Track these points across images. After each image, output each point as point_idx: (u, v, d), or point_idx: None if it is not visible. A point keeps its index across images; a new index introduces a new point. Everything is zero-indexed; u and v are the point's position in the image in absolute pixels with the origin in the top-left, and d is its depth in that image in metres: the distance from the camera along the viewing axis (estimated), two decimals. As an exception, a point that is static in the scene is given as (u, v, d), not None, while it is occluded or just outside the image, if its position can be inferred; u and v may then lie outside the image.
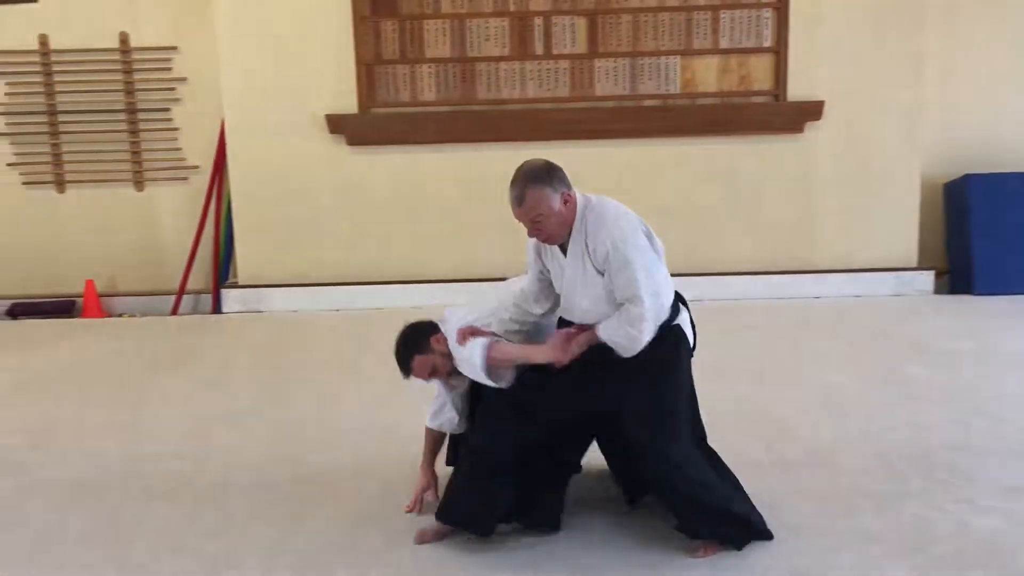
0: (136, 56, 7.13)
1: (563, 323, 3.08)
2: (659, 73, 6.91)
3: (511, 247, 7.03)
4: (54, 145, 7.23)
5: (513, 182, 2.93)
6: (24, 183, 7.28)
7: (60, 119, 7.20)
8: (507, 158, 6.82)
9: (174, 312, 7.24)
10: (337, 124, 6.83)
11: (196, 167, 7.29)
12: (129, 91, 7.17)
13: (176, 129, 7.25)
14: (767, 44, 6.90)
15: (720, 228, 7.07)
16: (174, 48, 7.14)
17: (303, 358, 5.67)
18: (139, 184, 7.33)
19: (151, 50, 7.12)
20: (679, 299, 3.07)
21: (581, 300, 2.91)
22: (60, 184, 7.31)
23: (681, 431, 2.90)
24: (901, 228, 7.06)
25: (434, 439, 3.40)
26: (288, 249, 7.01)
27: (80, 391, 5.04)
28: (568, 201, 2.89)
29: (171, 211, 7.39)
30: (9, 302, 7.24)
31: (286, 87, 6.82)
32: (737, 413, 4.21)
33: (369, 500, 3.44)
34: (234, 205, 7.03)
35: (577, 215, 2.90)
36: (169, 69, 7.16)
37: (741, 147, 6.98)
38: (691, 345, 3.11)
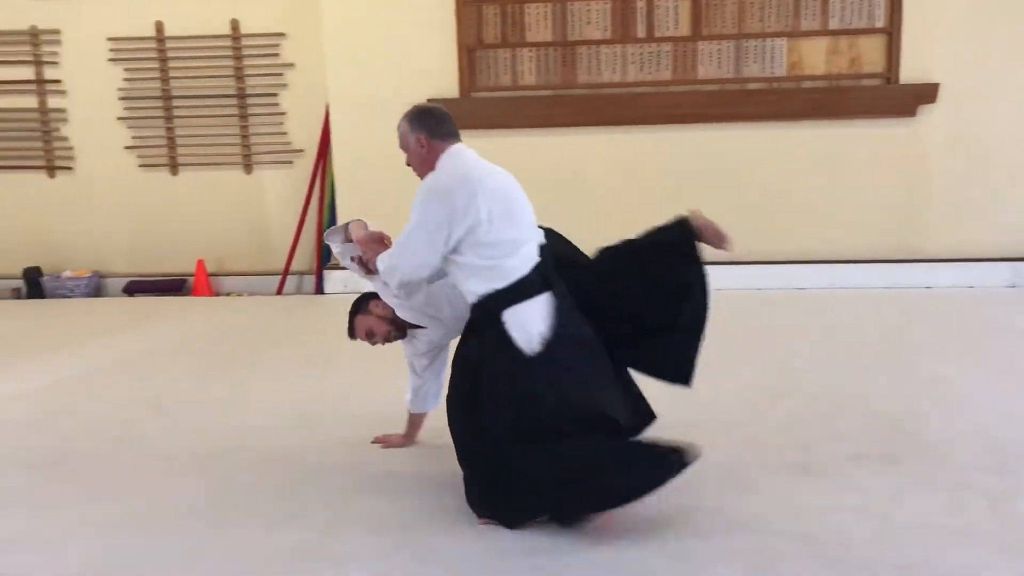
0: (246, 42, 7.34)
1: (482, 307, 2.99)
2: (764, 55, 6.75)
3: (609, 233, 7.01)
4: (168, 129, 7.50)
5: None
6: (140, 166, 7.58)
7: (174, 104, 7.47)
8: (606, 143, 6.87)
9: (279, 292, 7.45)
10: (438, 109, 6.89)
11: (301, 151, 7.47)
12: (239, 77, 7.39)
13: (283, 114, 7.44)
14: (879, 24, 6.66)
15: (825, 215, 6.89)
16: (282, 34, 7.32)
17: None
18: (248, 167, 7.55)
19: (260, 36, 7.32)
20: (532, 286, 2.94)
21: None
22: (174, 167, 7.58)
23: (485, 446, 2.90)
24: (1018, 216, 6.75)
25: (414, 421, 3.69)
26: (389, 231, 7.11)
27: (191, 366, 5.24)
28: (423, 146, 3.03)
29: (277, 194, 7.59)
30: (126, 280, 7.56)
31: (389, 72, 6.92)
32: (844, 405, 4.11)
33: (458, 476, 3.49)
34: (337, 188, 7.18)
35: (438, 164, 3.01)
36: (277, 55, 7.35)
37: (849, 131, 6.77)
38: (553, 336, 2.88)
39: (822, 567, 2.68)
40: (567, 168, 6.95)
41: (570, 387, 2.86)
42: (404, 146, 3.11)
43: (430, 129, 3.06)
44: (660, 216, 6.13)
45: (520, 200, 3.15)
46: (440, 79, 6.89)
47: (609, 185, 6.96)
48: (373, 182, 7.07)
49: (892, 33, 6.64)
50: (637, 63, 6.82)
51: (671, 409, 4.27)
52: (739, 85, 6.79)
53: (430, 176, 3.02)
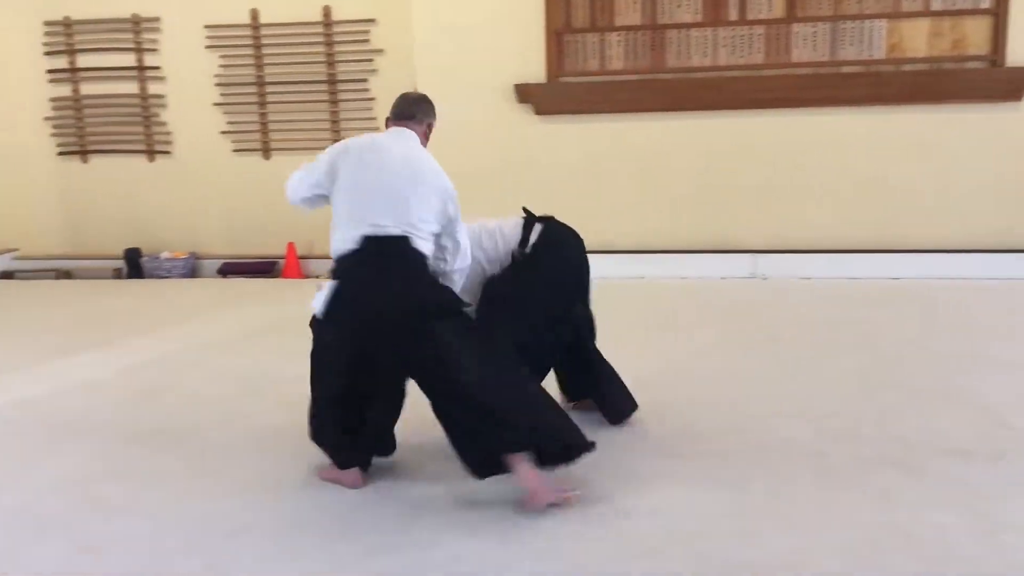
0: (337, 29, 7.44)
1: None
2: (862, 38, 6.56)
3: (697, 218, 6.95)
4: (261, 115, 7.67)
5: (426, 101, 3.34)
6: (234, 151, 7.77)
7: (267, 90, 7.62)
8: (695, 128, 6.78)
9: (366, 275, 7.56)
10: (525, 93, 6.89)
11: (389, 136, 7.55)
12: (330, 63, 7.50)
13: (372, 99, 7.53)
14: (985, 5, 6.40)
15: (924, 202, 6.67)
16: (372, 20, 7.40)
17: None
18: (337, 152, 7.68)
19: (351, 23, 7.41)
20: (337, 269, 3.15)
21: None
22: (266, 151, 7.75)
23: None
24: None
25: None
26: (474, 217, 7.15)
27: (281, 345, 5.37)
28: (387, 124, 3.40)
29: (365, 178, 7.70)
30: (220, 261, 7.77)
31: (476, 57, 6.94)
32: (946, 399, 3.99)
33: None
34: (425, 173, 7.24)
35: None
36: (367, 41, 7.43)
37: (950, 116, 6.53)
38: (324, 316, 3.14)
39: (922, 565, 2.61)
40: (654, 153, 6.88)
41: (318, 364, 3.23)
42: None
43: (392, 112, 3.38)
44: (749, 203, 6.11)
45: (384, 187, 3.11)
46: (527, 64, 6.89)
47: (696, 171, 6.86)
48: (458, 166, 7.07)
49: (998, 14, 6.38)
50: (728, 46, 6.70)
51: (764, 401, 4.21)
52: (834, 68, 6.61)
53: None
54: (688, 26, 6.70)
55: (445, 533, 2.90)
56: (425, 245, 3.16)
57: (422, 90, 7.00)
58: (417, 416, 3.40)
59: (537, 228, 3.58)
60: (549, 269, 3.55)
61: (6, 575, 2.58)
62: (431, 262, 3.22)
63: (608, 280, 6.77)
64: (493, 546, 2.81)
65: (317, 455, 3.42)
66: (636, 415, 3.86)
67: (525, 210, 3.66)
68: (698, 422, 3.87)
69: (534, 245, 3.50)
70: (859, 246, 6.69)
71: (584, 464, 3.29)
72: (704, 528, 2.90)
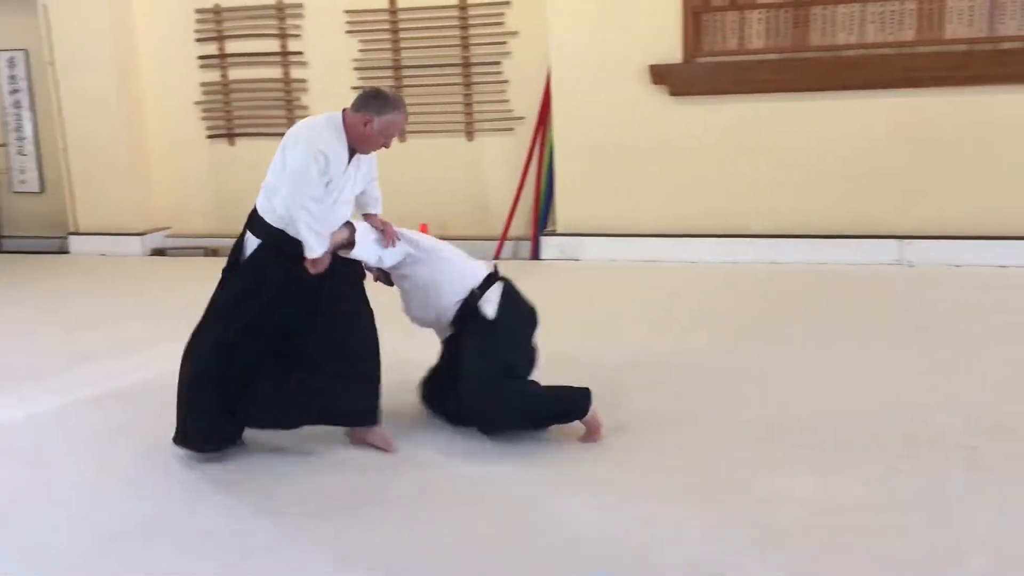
0: (472, 12, 7.49)
1: None
2: (1025, 11, 6.14)
3: (839, 201, 6.68)
4: (397, 98, 7.82)
5: (396, 100, 3.54)
6: (372, 133, 7.94)
7: (403, 73, 7.76)
8: (839, 109, 6.50)
9: (496, 256, 7.61)
10: (660, 74, 6.76)
11: (522, 118, 7.56)
12: (464, 46, 7.57)
13: (505, 82, 7.55)
14: None
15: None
16: (507, 3, 7.41)
17: (618, 306, 5.75)
18: (470, 134, 7.75)
19: (485, 6, 7.45)
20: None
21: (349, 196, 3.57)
22: (401, 134, 7.90)
23: None
24: None
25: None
26: (607, 199, 7.10)
27: (410, 327, 5.46)
28: None
29: (497, 161, 7.74)
30: (355, 241, 7.98)
31: (611, 38, 6.86)
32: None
33: (682, 452, 3.44)
34: (556, 155, 7.22)
35: None
36: (501, 24, 7.45)
37: (1124, 95, 6.06)
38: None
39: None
40: (794, 135, 6.64)
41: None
42: None
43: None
44: (895, 186, 5.87)
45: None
46: (663, 44, 6.76)
47: (839, 153, 6.59)
48: (591, 148, 7.06)
49: None
50: (877, 23, 6.39)
51: (913, 392, 4.02)
52: (992, 45, 6.21)
53: None
54: (835, 2, 6.43)
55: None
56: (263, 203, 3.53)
57: (555, 72, 7.04)
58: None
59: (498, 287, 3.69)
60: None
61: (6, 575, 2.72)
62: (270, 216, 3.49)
63: (741, 265, 6.62)
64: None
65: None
66: (761, 404, 3.76)
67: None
68: (841, 412, 3.73)
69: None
70: (1013, 232, 6.29)
71: (726, 452, 3.25)
72: (848, 521, 2.80)
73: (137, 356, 4.86)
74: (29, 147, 8.63)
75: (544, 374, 4.36)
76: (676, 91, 6.78)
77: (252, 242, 3.50)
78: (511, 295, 3.70)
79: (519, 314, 3.70)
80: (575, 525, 2.92)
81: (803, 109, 6.59)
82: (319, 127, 3.43)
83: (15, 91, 8.57)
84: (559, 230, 7.30)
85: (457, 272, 3.69)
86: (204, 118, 8.25)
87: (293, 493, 3.20)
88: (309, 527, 2.97)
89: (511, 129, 7.63)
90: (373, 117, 3.40)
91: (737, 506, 2.96)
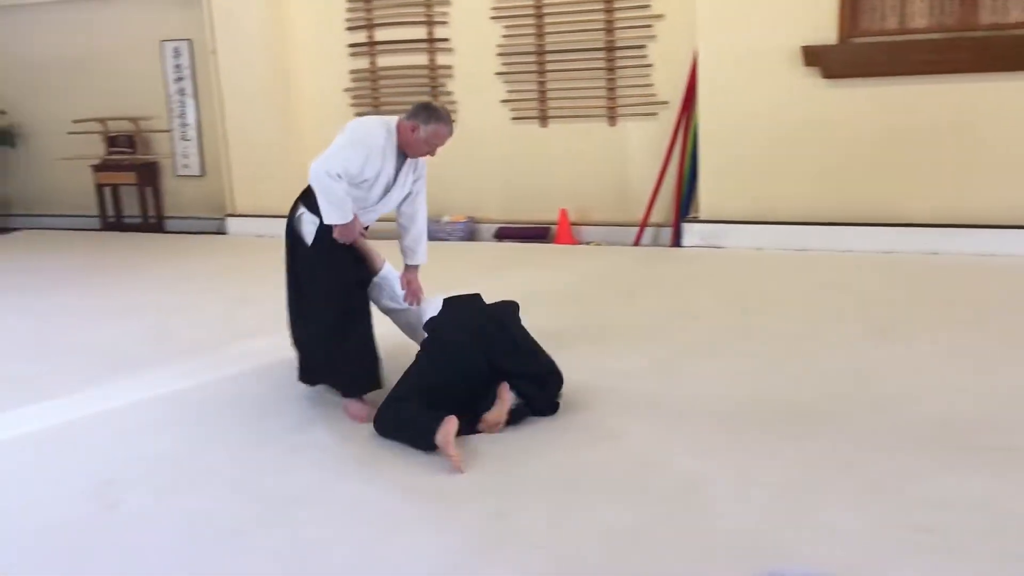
0: (618, -5, 7.43)
1: None
2: None
3: (1004, 190, 6.28)
4: (540, 83, 7.82)
5: (443, 114, 3.81)
6: (513, 119, 7.99)
7: (546, 58, 7.76)
8: (1010, 91, 6.10)
9: (636, 243, 7.54)
10: (813, 56, 6.52)
11: (665, 103, 7.44)
12: (609, 30, 7.50)
13: (649, 66, 7.45)
14: None
15: None
16: (653, -15, 7.31)
17: (764, 296, 5.59)
18: (612, 119, 7.68)
19: (632, -12, 7.37)
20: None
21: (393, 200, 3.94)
22: (543, 119, 7.91)
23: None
24: None
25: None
26: (752, 185, 6.92)
27: (557, 309, 5.48)
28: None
29: (639, 146, 7.65)
30: (496, 226, 8.06)
31: (761, 19, 6.66)
32: None
33: (834, 449, 3.32)
34: (700, 140, 7.08)
35: None
36: (648, 6, 7.35)
37: None
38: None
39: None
40: (960, 120, 6.29)
41: None
42: None
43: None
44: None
45: None
46: (817, 24, 6.51)
47: (1009, 138, 6.20)
48: (737, 132, 6.88)
49: None
50: (1054, -2, 5.96)
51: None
52: None
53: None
54: (1006, -23, 6.03)
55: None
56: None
57: (702, 55, 6.89)
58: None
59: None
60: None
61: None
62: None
63: (898, 255, 6.32)
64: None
65: (618, 425, 3.45)
66: (924, 401, 3.58)
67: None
68: (999, 412, 3.53)
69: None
70: None
71: (888, 451, 3.12)
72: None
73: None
74: (192, 133, 9.11)
75: (686, 364, 4.31)
76: (830, 73, 6.52)
77: (309, 218, 3.88)
78: (452, 306, 3.87)
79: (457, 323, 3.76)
80: (723, 521, 2.86)
81: (969, 92, 6.23)
82: (373, 124, 3.85)
83: (179, 79, 9.05)
84: (702, 217, 7.16)
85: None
86: (352, 104, 8.48)
87: (444, 471, 3.27)
88: (453, 503, 3.03)
89: (654, 114, 7.52)
90: (420, 125, 3.75)
91: (900, 507, 2.83)
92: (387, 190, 3.86)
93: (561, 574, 2.61)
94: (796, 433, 3.47)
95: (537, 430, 3.57)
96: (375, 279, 4.03)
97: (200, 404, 4.11)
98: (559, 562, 2.67)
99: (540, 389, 3.70)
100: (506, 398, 3.55)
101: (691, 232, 7.13)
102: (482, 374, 3.60)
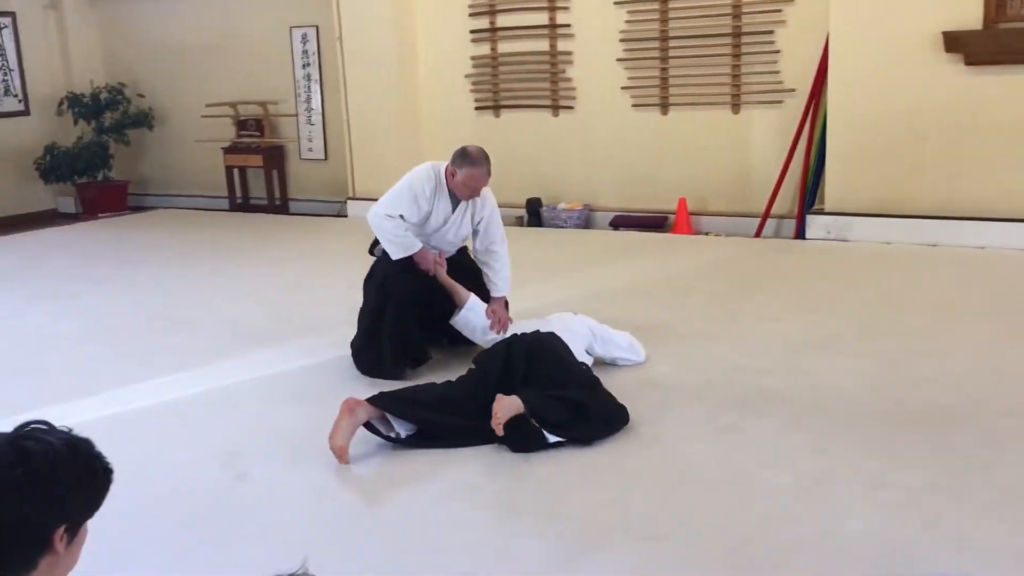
0: (747, -21, 7.22)
1: None
2: None
3: None
4: (662, 69, 7.68)
5: (476, 157, 4.08)
6: (633, 105, 7.88)
7: (670, 44, 7.61)
8: None
9: (757, 234, 7.34)
10: (955, 42, 6.18)
11: (792, 90, 7.20)
12: (736, 15, 7.30)
13: (776, 52, 7.21)
14: None
15: None
16: (784, -32, 7.07)
17: (892, 292, 5.36)
18: (735, 107, 7.49)
19: (762, -28, 7.15)
20: None
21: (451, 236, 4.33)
22: (664, 106, 7.77)
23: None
24: None
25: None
26: (883, 176, 6.63)
27: (674, 300, 5.38)
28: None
29: (763, 134, 7.43)
30: (612, 214, 7.97)
31: (900, 3, 6.36)
32: None
33: (967, 453, 3.15)
34: (829, 129, 6.82)
35: None
36: (778, -10, 7.13)
37: None
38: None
39: None
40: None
41: None
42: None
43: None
44: None
45: None
46: (960, 8, 6.16)
47: None
48: (869, 121, 6.60)
49: None
50: None
51: None
52: None
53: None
54: None
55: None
56: None
57: (835, 41, 6.63)
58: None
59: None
60: None
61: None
62: None
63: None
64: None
65: (719, 409, 3.37)
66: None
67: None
68: None
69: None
70: None
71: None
72: None
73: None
74: (316, 118, 9.34)
75: (809, 359, 4.16)
76: (973, 60, 6.18)
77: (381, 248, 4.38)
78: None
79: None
80: (849, 523, 2.75)
81: None
82: (423, 171, 4.21)
83: (306, 65, 9.28)
84: (827, 208, 6.90)
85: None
86: (473, 90, 8.53)
87: (561, 457, 3.25)
88: (565, 491, 3.00)
89: (780, 102, 7.29)
90: (456, 170, 4.09)
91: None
92: (438, 229, 4.24)
93: (680, 568, 2.56)
94: (927, 435, 3.31)
95: (650, 422, 3.51)
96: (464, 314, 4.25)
97: (320, 381, 4.20)
98: (677, 555, 2.62)
99: (576, 418, 3.35)
100: (498, 407, 3.27)
101: (815, 224, 6.90)
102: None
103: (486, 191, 4.27)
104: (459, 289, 4.26)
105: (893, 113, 6.53)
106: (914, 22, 6.34)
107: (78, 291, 6.15)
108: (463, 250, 4.54)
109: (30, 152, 9.64)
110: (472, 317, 4.25)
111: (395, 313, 4.20)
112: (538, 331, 3.77)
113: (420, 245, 4.19)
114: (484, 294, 4.35)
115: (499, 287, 4.33)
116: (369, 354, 4.27)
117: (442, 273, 4.26)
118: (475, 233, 4.34)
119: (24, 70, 9.79)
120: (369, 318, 4.30)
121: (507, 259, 4.36)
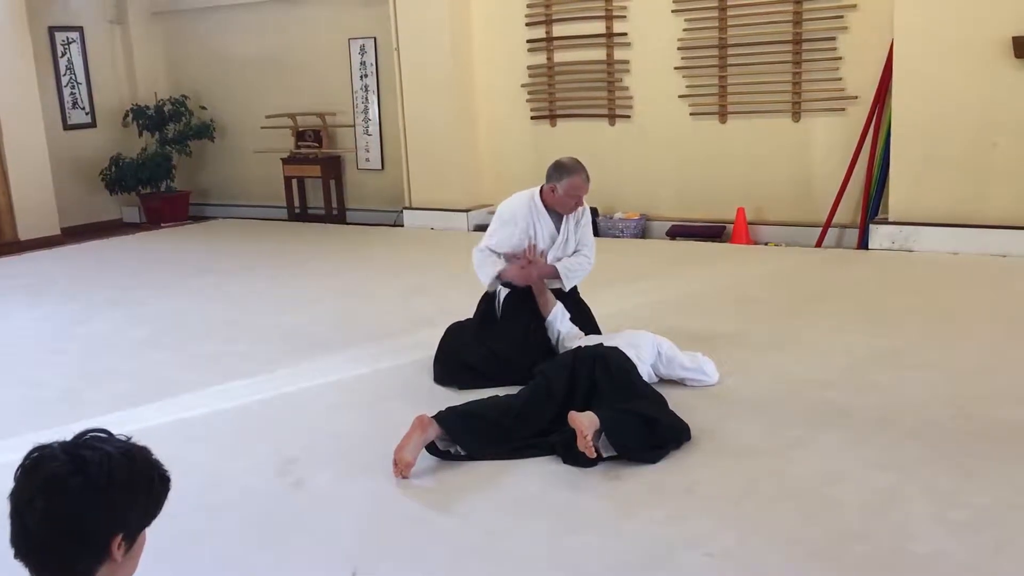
0: (807, -15, 7.10)
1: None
2: None
3: None
4: (721, 77, 7.59)
5: (571, 167, 4.13)
6: (691, 114, 7.80)
7: (729, 52, 7.52)
8: None
9: (818, 244, 7.20)
10: (1025, 46, 6.02)
11: (855, 98, 7.07)
12: (796, 22, 7.19)
13: (839, 59, 7.09)
14: None
15: None
16: (846, -26, 6.95)
17: (960, 304, 5.21)
18: (796, 115, 7.37)
19: (823, -23, 7.03)
20: None
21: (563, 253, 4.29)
22: (723, 115, 7.68)
23: None
24: None
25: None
26: (949, 185, 6.46)
27: (734, 310, 5.30)
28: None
29: (824, 143, 7.30)
30: (669, 224, 7.90)
31: (966, 8, 6.21)
32: None
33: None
34: (893, 136, 6.68)
35: None
36: (840, -4, 7.01)
37: None
38: None
39: None
40: None
41: None
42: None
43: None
44: None
45: None
46: (1030, 13, 6.01)
47: None
48: (934, 128, 6.45)
49: None
50: None
51: None
52: None
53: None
54: None
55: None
56: None
57: (899, 47, 6.48)
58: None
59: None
60: None
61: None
62: None
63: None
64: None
65: (778, 422, 3.30)
66: None
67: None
68: None
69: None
70: None
71: None
72: None
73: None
74: (374, 128, 9.42)
75: (875, 372, 4.05)
76: (1044, 66, 6.01)
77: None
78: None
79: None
80: (919, 544, 2.66)
81: None
82: (515, 200, 4.28)
83: (364, 76, 9.37)
84: (891, 218, 6.75)
85: None
86: (529, 100, 8.52)
87: (609, 472, 3.21)
88: (626, 506, 2.96)
89: (842, 109, 7.16)
90: (556, 185, 4.11)
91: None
92: (548, 249, 4.24)
93: (742, 586, 2.50)
94: (999, 452, 3.20)
95: (712, 436, 3.45)
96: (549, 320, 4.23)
97: (377, 390, 4.22)
98: (739, 573, 2.56)
99: (648, 436, 3.28)
100: (582, 425, 3.19)
101: (879, 234, 6.75)
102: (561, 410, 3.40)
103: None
104: (549, 299, 4.25)
105: (960, 120, 6.37)
106: (982, 26, 6.18)
107: (143, 298, 6.27)
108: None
109: (97, 163, 9.88)
110: (556, 324, 4.22)
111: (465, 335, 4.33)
112: (602, 344, 3.73)
113: (496, 271, 4.23)
114: (584, 326, 4.32)
115: (566, 278, 4.27)
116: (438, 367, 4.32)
117: (541, 284, 4.23)
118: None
119: (91, 83, 10.05)
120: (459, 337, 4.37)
121: (588, 266, 4.33)
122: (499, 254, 4.28)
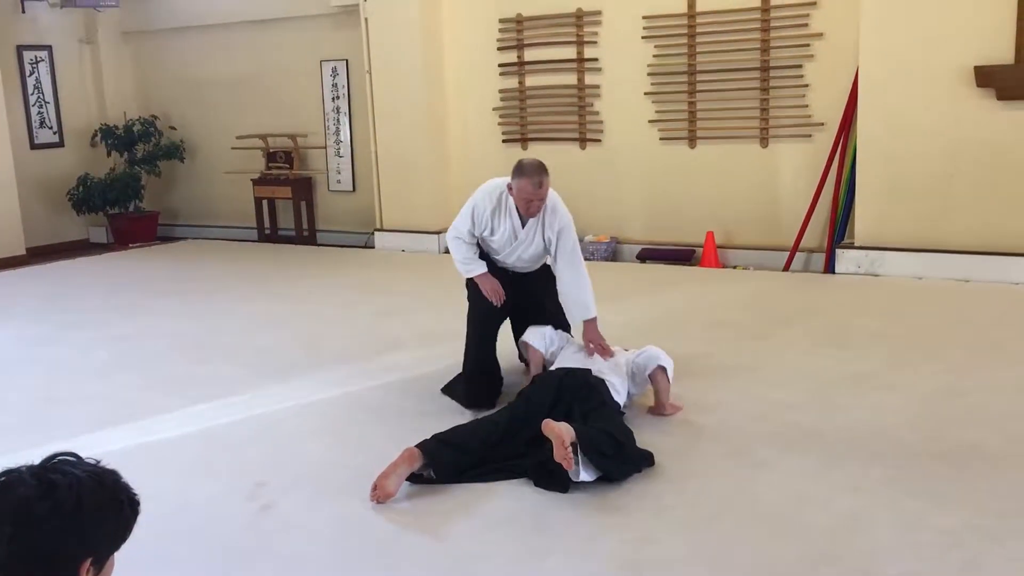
0: (775, 14, 7.21)
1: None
2: None
3: None
4: (690, 103, 7.69)
5: (528, 168, 3.99)
6: (661, 139, 7.88)
7: (698, 78, 7.62)
8: None
9: (786, 268, 7.29)
10: (987, 76, 6.14)
11: (821, 124, 7.18)
12: (764, 49, 7.30)
13: (805, 86, 7.20)
14: None
15: None
16: (813, 3, 7.06)
17: (925, 327, 5.28)
18: (764, 141, 7.47)
19: (790, 7, 7.14)
20: None
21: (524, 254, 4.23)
22: (692, 140, 7.77)
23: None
24: None
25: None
26: (914, 210, 6.57)
27: (703, 333, 5.34)
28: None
29: (791, 168, 7.41)
30: (639, 247, 7.95)
31: (930, 37, 6.33)
32: None
33: (1007, 493, 3.07)
34: (859, 163, 6.78)
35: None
36: (806, 25, 7.11)
37: None
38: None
39: None
40: None
41: None
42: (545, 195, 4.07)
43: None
44: None
45: None
46: (992, 42, 6.13)
47: None
48: (899, 155, 6.56)
49: None
50: None
51: None
52: None
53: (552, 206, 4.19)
54: None
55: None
56: None
57: (864, 75, 6.60)
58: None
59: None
60: None
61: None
62: None
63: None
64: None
65: (743, 448, 3.31)
66: None
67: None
68: None
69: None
70: None
71: None
72: None
73: (437, 347, 5.11)
74: (345, 149, 9.42)
75: (842, 395, 4.10)
76: (1006, 94, 6.13)
77: None
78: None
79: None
80: (889, 568, 2.69)
81: None
82: (488, 187, 4.18)
83: (336, 98, 9.38)
84: (857, 242, 6.84)
85: None
86: (500, 123, 8.57)
87: (596, 491, 3.21)
88: (595, 531, 2.96)
89: (809, 136, 7.27)
90: (511, 184, 4.03)
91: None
92: (508, 246, 4.18)
93: (712, 609, 2.51)
94: (965, 474, 3.25)
95: (681, 458, 3.47)
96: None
97: (348, 412, 4.20)
98: (710, 596, 2.57)
99: (615, 455, 3.30)
100: (560, 433, 3.18)
101: (845, 258, 6.84)
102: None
103: (558, 206, 4.13)
104: (535, 367, 4.19)
105: (924, 147, 6.49)
106: (945, 56, 6.31)
107: (109, 320, 6.20)
108: (541, 271, 4.39)
109: (64, 183, 9.79)
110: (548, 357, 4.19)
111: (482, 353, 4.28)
112: (589, 371, 3.77)
113: (481, 270, 4.22)
114: (556, 313, 4.30)
115: (579, 309, 4.14)
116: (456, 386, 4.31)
117: (536, 364, 4.17)
118: (548, 251, 4.19)
119: (59, 103, 9.96)
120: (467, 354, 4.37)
121: (583, 280, 4.15)
122: (475, 238, 4.23)
